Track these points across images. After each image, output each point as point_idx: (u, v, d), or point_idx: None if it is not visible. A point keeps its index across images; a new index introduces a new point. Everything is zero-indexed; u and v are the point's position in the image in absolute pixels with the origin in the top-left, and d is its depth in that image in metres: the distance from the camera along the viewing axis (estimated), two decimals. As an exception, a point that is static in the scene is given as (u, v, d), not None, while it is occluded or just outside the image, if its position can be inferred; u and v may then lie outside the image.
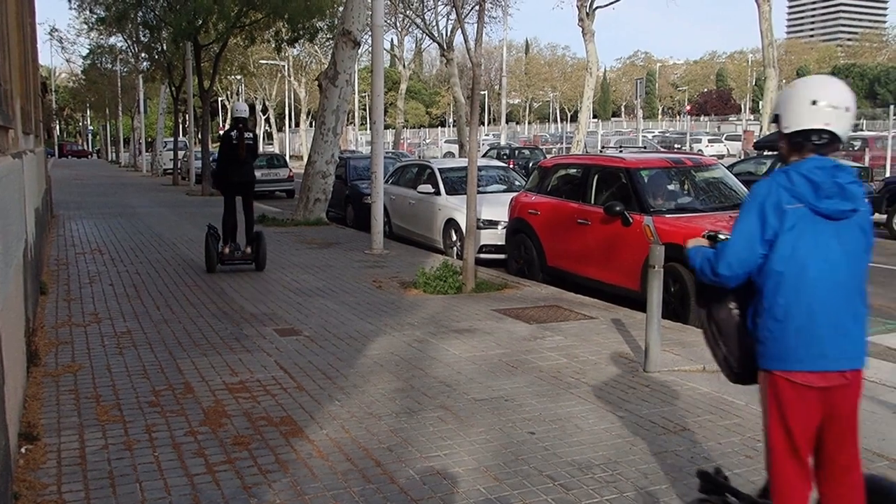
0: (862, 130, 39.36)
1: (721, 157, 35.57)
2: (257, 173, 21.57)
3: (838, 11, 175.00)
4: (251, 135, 10.36)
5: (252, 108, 75.33)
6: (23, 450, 4.27)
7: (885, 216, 15.52)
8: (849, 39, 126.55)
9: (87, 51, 43.47)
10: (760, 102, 29.35)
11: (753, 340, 2.80)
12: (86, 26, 33.03)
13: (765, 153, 18.18)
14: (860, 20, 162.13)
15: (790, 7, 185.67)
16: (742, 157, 26.20)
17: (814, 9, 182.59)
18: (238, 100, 22.27)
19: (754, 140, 22.21)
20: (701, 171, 9.40)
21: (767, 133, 22.43)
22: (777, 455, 2.76)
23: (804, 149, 2.78)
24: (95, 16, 30.05)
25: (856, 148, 27.21)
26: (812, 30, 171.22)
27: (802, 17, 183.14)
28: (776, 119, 2.87)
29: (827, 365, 2.69)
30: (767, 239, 2.71)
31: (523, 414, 4.97)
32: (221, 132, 14.48)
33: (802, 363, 2.68)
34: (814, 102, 2.72)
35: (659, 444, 4.50)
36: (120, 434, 4.58)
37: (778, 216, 2.70)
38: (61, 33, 71.55)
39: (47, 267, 10.49)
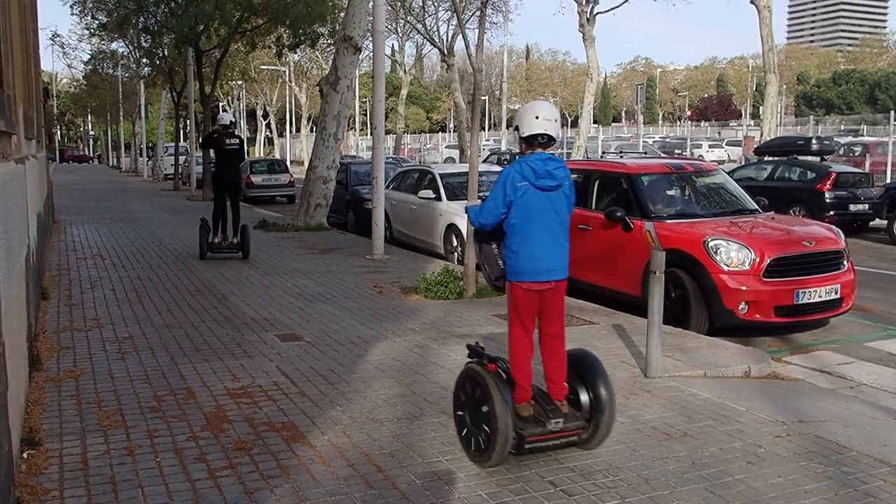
0: (862, 136, 39.41)
1: (722, 162, 35.58)
2: (258, 178, 22.92)
3: (838, 17, 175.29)
4: (237, 140, 11.85)
5: (252, 113, 75.63)
6: (25, 455, 4.27)
7: (885, 222, 15.51)
8: (849, 45, 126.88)
9: (89, 56, 43.57)
10: (761, 108, 29.39)
11: (503, 264, 4.39)
12: (87, 32, 33.12)
13: (766, 158, 18.18)
14: (860, 25, 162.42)
15: (790, 12, 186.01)
16: (743, 163, 26.20)
17: (814, 14, 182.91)
18: (228, 110, 23.02)
19: (755, 145, 22.21)
20: (702, 176, 9.42)
21: (768, 138, 22.45)
22: (513, 328, 4.36)
23: (533, 146, 4.31)
24: (97, 21, 30.13)
25: (856, 154, 27.24)
26: (812, 35, 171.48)
27: (803, 23, 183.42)
28: (517, 129, 4.33)
29: (541, 277, 4.26)
30: (507, 203, 4.25)
31: (525, 419, 4.97)
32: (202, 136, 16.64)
33: (528, 276, 4.26)
34: (536, 117, 4.25)
35: (660, 450, 4.51)
36: (122, 439, 4.59)
37: (513, 189, 4.24)
38: (63, 39, 71.83)
39: (49, 272, 10.50)
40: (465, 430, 4.36)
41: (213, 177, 12.38)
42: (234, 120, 12.45)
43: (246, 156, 12.53)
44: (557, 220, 4.29)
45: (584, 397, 4.34)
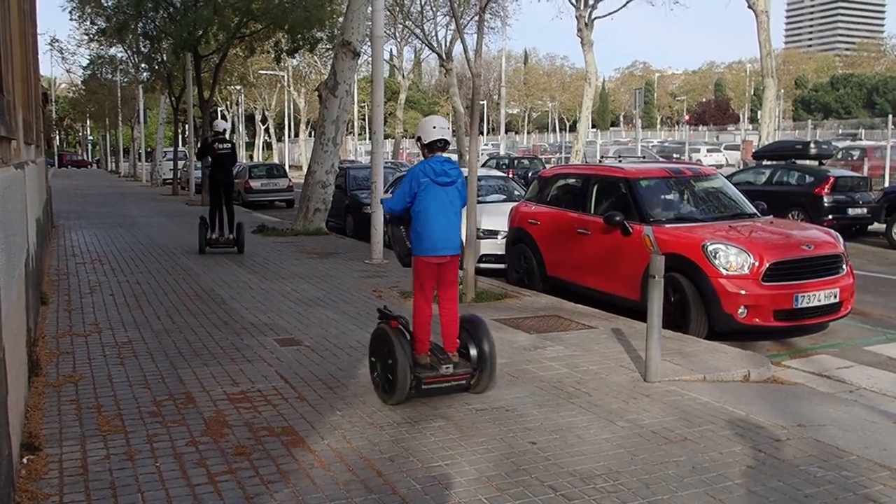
0: (861, 140, 39.47)
1: (720, 166, 35.64)
2: (257, 183, 23.69)
3: (836, 21, 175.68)
4: (229, 145, 13.21)
5: (251, 118, 75.69)
6: (25, 460, 4.27)
7: (883, 226, 15.53)
8: (847, 49, 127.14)
9: (88, 61, 43.58)
10: (759, 112, 29.43)
11: (409, 244, 5.43)
12: (86, 37, 33.13)
13: (764, 162, 18.21)
14: (858, 30, 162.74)
15: (788, 17, 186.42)
16: (741, 167, 26.24)
17: (812, 19, 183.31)
18: (218, 116, 23.65)
19: (753, 149, 22.24)
20: (700, 180, 9.43)
21: (767, 143, 22.48)
22: (416, 295, 5.43)
23: (433, 150, 5.42)
24: (96, 27, 30.15)
25: (855, 158, 27.29)
26: (810, 39, 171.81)
27: (801, 27, 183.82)
28: (419, 139, 5.49)
29: (438, 252, 5.33)
30: (412, 194, 5.31)
31: (524, 424, 4.98)
32: (200, 142, 18.48)
33: (429, 252, 5.31)
34: (434, 127, 5.43)
35: (660, 454, 4.51)
36: (121, 444, 4.58)
37: (417, 184, 5.30)
38: (62, 44, 71.65)
39: (48, 277, 10.50)
40: (376, 374, 5.48)
41: (209, 178, 13.55)
42: (227, 127, 13.77)
43: (238, 159, 14.84)
44: (452, 209, 5.40)
45: (473, 351, 5.41)
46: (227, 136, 13.49)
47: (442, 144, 5.42)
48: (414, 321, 5.35)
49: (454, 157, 39.77)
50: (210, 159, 13.15)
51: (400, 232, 5.53)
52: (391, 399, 5.23)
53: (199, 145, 16.11)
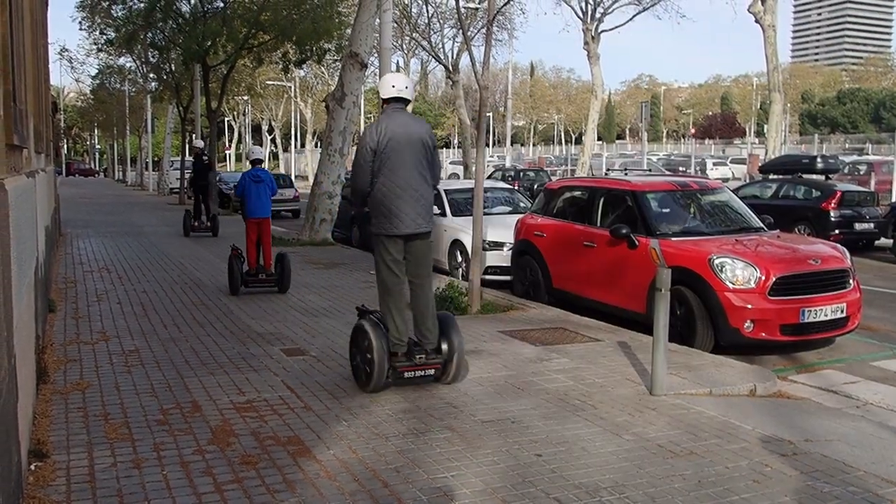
0: (867, 155, 39.43)
1: (726, 180, 35.60)
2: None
3: (843, 36, 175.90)
4: (206, 158, 20.07)
5: (258, 128, 76.00)
6: (33, 467, 4.29)
7: (890, 241, 15.50)
8: (854, 64, 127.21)
9: (96, 71, 43.80)
10: (765, 126, 29.44)
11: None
12: (95, 47, 33.34)
13: (770, 176, 18.20)
14: (865, 45, 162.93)
15: (795, 31, 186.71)
16: (747, 181, 26.23)
17: (819, 33, 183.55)
18: (202, 140, 26.11)
19: (760, 163, 22.23)
20: (707, 194, 9.44)
21: (773, 157, 22.48)
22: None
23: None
24: (105, 37, 30.34)
25: (861, 172, 27.26)
26: (817, 54, 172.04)
27: (807, 42, 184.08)
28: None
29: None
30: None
31: (530, 436, 4.98)
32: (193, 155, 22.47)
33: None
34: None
35: (666, 468, 4.50)
36: (129, 452, 4.60)
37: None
38: (71, 53, 72.25)
39: (56, 285, 10.54)
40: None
41: (189, 182, 19.57)
42: (204, 144, 21.14)
43: (212, 169, 21.10)
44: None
45: (444, 345, 5.91)
46: (204, 152, 20.39)
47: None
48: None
49: (460, 169, 39.84)
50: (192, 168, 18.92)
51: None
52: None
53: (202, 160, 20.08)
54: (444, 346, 5.91)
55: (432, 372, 5.88)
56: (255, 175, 10.26)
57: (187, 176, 31.71)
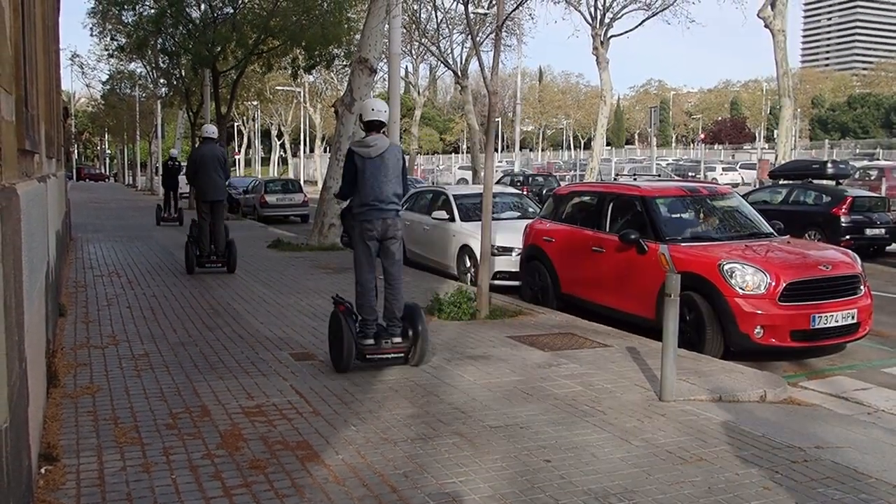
0: (878, 160, 39.24)
1: (735, 185, 35.54)
2: (272, 198, 26.55)
3: (854, 41, 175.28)
4: (177, 163, 23.32)
5: (267, 133, 76.32)
6: (43, 470, 4.30)
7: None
8: (864, 68, 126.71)
9: (107, 76, 44.11)
10: (775, 131, 29.35)
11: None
12: (106, 53, 33.57)
13: (780, 182, 18.13)
14: (876, 49, 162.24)
15: (805, 36, 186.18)
16: (757, 186, 26.14)
17: (829, 38, 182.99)
18: (176, 150, 28.35)
19: (770, 169, 22.17)
20: (716, 199, 9.40)
21: (783, 162, 22.40)
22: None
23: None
24: (116, 43, 30.54)
25: (872, 178, 27.13)
26: (827, 59, 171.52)
27: (818, 47, 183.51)
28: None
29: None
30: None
31: (539, 441, 4.96)
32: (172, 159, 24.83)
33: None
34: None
35: (676, 474, 4.48)
36: (138, 456, 4.61)
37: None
38: (82, 59, 72.56)
39: (66, 289, 10.59)
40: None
41: (162, 182, 23.94)
42: (176, 154, 25.03)
43: (180, 174, 22.76)
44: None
45: (410, 331, 6.64)
46: (177, 161, 23.73)
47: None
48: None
49: (469, 174, 39.91)
50: (163, 171, 23.61)
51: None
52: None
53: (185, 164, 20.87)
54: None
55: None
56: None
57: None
